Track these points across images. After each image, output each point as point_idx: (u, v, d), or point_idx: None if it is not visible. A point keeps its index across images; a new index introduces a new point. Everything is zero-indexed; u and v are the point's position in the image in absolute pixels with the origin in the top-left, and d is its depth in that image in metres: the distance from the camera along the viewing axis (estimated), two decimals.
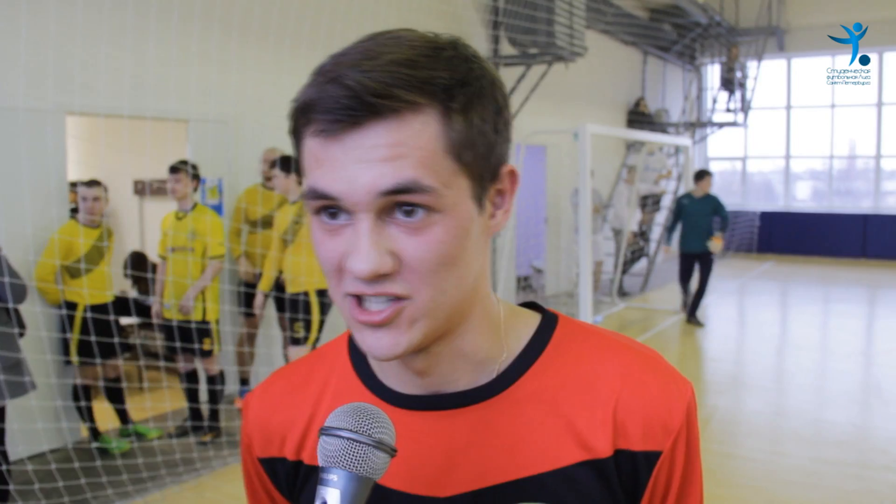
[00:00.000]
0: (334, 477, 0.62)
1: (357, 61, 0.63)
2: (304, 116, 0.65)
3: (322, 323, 4.84)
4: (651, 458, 0.74)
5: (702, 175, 8.31)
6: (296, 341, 4.83)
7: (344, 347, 0.83)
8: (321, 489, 0.63)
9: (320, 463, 0.64)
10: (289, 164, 4.79)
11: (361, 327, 0.67)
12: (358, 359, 0.81)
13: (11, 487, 3.70)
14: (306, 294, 4.79)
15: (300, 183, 4.86)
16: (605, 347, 0.78)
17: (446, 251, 0.65)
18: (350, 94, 0.61)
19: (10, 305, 3.64)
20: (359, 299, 0.66)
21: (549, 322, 0.80)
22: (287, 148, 5.15)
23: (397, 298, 0.65)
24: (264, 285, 5.05)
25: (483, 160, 0.67)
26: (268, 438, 0.83)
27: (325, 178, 0.64)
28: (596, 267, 9.66)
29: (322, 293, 4.83)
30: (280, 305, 5.11)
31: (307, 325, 4.78)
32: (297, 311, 4.82)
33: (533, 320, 0.80)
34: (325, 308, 4.84)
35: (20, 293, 3.66)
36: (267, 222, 5.21)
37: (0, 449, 3.65)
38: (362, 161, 0.62)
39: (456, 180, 0.65)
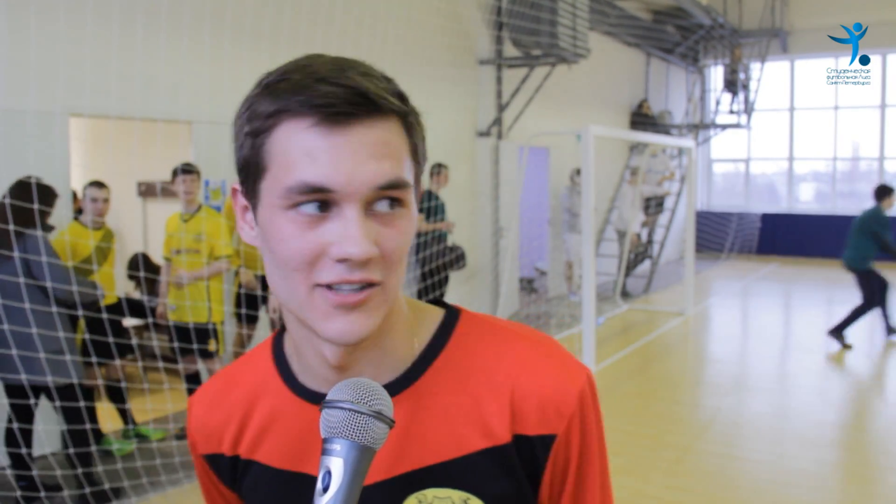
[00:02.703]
0: (337, 447, 0.66)
1: (330, 70, 0.67)
2: (287, 113, 0.67)
3: None
4: (547, 441, 0.77)
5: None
6: None
7: (268, 352, 0.88)
8: (325, 459, 0.66)
9: (323, 435, 0.67)
10: None
11: (334, 313, 0.69)
12: (281, 361, 0.85)
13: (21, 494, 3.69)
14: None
15: None
16: (504, 338, 0.82)
17: (406, 242, 0.72)
18: (354, 91, 0.66)
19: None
20: (328, 288, 0.69)
21: (451, 317, 0.84)
22: None
23: (371, 284, 0.69)
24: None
25: (421, 169, 0.76)
26: (208, 436, 0.88)
27: (321, 171, 0.66)
28: (567, 267, 9.72)
29: None
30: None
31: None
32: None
33: (437, 315, 0.84)
34: None
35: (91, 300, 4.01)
36: None
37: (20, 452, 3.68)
38: (362, 154, 0.67)
39: (412, 181, 0.73)
